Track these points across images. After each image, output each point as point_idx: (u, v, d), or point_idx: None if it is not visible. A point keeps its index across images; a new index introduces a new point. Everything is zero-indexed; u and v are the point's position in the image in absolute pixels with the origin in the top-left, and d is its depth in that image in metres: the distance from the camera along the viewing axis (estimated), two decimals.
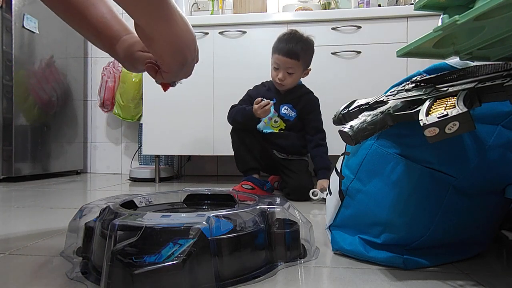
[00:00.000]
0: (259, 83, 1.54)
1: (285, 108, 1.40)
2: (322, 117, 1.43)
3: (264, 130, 1.42)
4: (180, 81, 0.66)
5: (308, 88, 1.47)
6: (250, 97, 1.46)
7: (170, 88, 0.67)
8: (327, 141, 1.72)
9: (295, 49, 1.30)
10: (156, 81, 0.66)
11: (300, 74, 1.38)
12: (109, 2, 0.68)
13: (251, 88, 1.53)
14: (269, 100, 1.30)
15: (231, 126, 1.59)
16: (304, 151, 1.47)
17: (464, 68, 0.51)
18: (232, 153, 1.80)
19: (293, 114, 1.41)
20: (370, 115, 0.52)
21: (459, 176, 0.53)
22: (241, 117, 1.37)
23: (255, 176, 1.39)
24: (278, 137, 1.41)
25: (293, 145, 1.42)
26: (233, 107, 1.44)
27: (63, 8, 0.66)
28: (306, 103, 1.41)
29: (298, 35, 1.34)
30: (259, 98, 1.31)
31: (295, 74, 1.35)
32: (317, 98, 1.46)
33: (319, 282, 0.53)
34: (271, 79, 1.52)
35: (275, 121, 1.41)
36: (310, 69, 1.42)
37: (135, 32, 0.63)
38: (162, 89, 0.68)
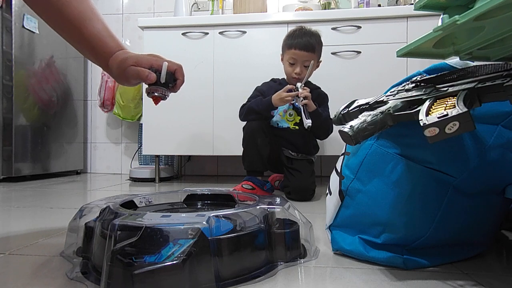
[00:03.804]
0: (269, 80, 1.54)
1: None
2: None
3: (280, 125, 1.42)
4: (168, 95, 0.72)
5: (315, 84, 1.49)
6: (260, 93, 1.47)
7: (161, 101, 0.72)
8: (327, 141, 1.73)
9: (311, 41, 1.35)
10: (147, 95, 0.72)
11: (315, 66, 1.41)
12: (104, 19, 0.70)
13: (259, 85, 1.53)
14: (297, 93, 1.30)
15: (231, 126, 1.59)
16: (313, 152, 1.48)
17: (464, 68, 0.51)
18: (232, 153, 1.81)
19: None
20: (370, 115, 0.52)
21: (459, 176, 0.53)
22: (257, 106, 1.37)
23: (257, 177, 1.39)
24: (292, 134, 1.41)
25: (305, 144, 1.43)
26: (243, 106, 1.45)
27: (61, 23, 0.68)
28: (317, 96, 1.43)
29: (308, 29, 1.39)
30: (291, 86, 1.33)
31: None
32: (326, 93, 1.49)
33: (319, 282, 0.53)
34: (277, 77, 1.52)
35: (290, 114, 1.42)
36: (321, 61, 1.45)
37: (127, 48, 0.67)
38: (153, 102, 0.73)
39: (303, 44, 1.34)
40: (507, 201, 0.60)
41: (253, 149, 1.37)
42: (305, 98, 1.27)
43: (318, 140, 1.56)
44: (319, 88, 1.49)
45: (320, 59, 1.44)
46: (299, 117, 1.40)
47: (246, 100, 1.47)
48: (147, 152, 1.92)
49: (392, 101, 0.54)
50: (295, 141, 1.41)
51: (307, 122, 1.23)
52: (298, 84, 1.31)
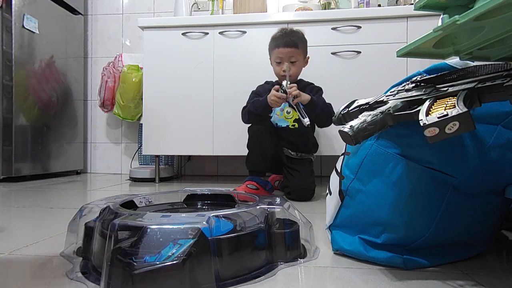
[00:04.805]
0: (262, 83, 1.54)
1: None
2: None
3: (279, 124, 1.42)
4: None
5: (308, 81, 1.50)
6: (256, 95, 1.47)
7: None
8: (327, 141, 1.73)
9: (293, 39, 1.38)
10: None
11: (302, 62, 1.43)
12: None
13: (254, 89, 1.53)
14: (285, 95, 1.30)
15: (231, 126, 1.58)
16: (313, 150, 1.48)
17: (464, 68, 0.51)
18: (232, 153, 1.81)
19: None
20: (370, 115, 0.52)
21: (459, 176, 0.53)
22: (255, 109, 1.38)
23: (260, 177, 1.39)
24: (292, 133, 1.40)
25: (305, 142, 1.43)
26: (244, 108, 1.45)
27: None
28: (310, 90, 1.43)
29: (289, 29, 1.43)
30: (277, 87, 1.32)
31: (298, 62, 1.40)
32: (320, 86, 1.49)
33: (319, 282, 0.53)
34: (271, 79, 1.52)
35: (288, 112, 1.42)
36: (308, 57, 1.46)
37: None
38: None
39: (286, 41, 1.37)
40: (507, 201, 0.60)
41: (259, 150, 1.37)
42: (295, 96, 1.27)
43: (318, 138, 1.56)
44: (312, 83, 1.49)
45: (308, 55, 1.45)
46: (297, 113, 1.39)
47: (246, 103, 1.47)
48: (147, 152, 1.92)
49: (392, 101, 0.54)
50: (295, 140, 1.41)
51: (306, 121, 1.23)
52: (284, 83, 1.31)
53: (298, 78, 1.47)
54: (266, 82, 1.54)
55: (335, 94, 1.60)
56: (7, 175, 1.83)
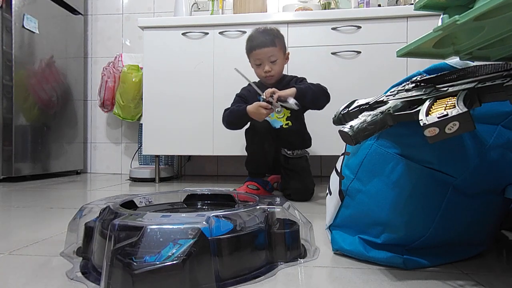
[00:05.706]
0: (246, 85, 1.53)
1: None
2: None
3: (272, 126, 1.41)
4: None
5: (291, 75, 1.47)
6: (241, 97, 1.45)
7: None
8: (327, 141, 1.72)
9: (269, 37, 1.34)
10: None
11: (283, 59, 1.40)
12: None
13: (238, 92, 1.51)
14: (272, 110, 1.27)
15: None
16: (309, 143, 1.47)
17: (464, 68, 0.51)
18: (232, 153, 1.81)
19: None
20: (370, 115, 0.52)
21: (459, 176, 0.53)
22: (234, 117, 1.36)
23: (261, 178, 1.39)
24: (287, 133, 1.39)
25: (300, 139, 1.42)
26: (226, 110, 1.43)
27: None
28: (295, 82, 1.41)
29: (262, 28, 1.39)
30: (265, 104, 1.27)
31: (279, 60, 1.37)
32: (304, 77, 1.46)
33: (319, 282, 0.53)
34: (255, 80, 1.51)
35: (278, 111, 1.40)
36: (288, 52, 1.43)
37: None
38: None
39: (261, 42, 1.34)
40: (507, 201, 0.60)
41: (260, 152, 1.35)
42: (272, 95, 1.22)
43: (318, 138, 1.56)
44: (296, 76, 1.46)
45: (288, 51, 1.42)
46: (289, 111, 1.38)
47: (230, 105, 1.44)
48: (147, 152, 1.92)
49: (392, 101, 0.54)
50: (291, 138, 1.40)
51: (292, 103, 1.19)
52: (261, 98, 1.27)
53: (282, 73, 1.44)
54: (250, 84, 1.52)
55: (335, 94, 1.59)
56: (7, 175, 1.83)
